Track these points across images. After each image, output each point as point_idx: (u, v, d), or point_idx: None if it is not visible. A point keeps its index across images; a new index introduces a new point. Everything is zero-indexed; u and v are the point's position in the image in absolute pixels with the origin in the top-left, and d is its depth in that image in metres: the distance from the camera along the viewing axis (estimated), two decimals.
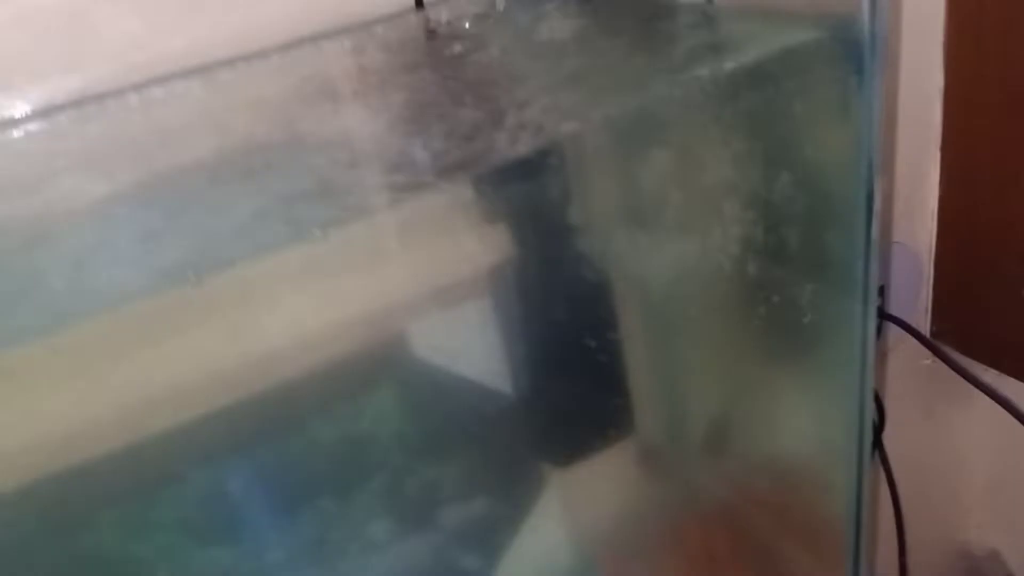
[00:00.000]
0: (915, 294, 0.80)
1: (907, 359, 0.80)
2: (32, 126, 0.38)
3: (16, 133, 0.38)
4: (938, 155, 0.73)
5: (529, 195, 0.40)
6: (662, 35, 0.40)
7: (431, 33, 0.42)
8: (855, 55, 0.32)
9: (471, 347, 0.45)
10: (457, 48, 0.41)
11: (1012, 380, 0.76)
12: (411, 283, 0.43)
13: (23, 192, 0.36)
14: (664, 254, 0.43)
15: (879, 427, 0.75)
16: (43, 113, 0.39)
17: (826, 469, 0.43)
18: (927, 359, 0.78)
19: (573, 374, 0.46)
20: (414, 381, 0.45)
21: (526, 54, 0.41)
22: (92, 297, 0.33)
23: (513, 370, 0.45)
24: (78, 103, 0.39)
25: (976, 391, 0.75)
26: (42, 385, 0.35)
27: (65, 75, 0.40)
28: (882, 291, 0.76)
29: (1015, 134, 0.67)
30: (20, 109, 0.39)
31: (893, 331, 0.78)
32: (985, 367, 0.78)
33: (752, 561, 0.50)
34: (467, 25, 0.42)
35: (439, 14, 0.42)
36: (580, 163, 0.40)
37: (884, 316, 0.77)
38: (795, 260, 0.40)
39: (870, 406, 0.40)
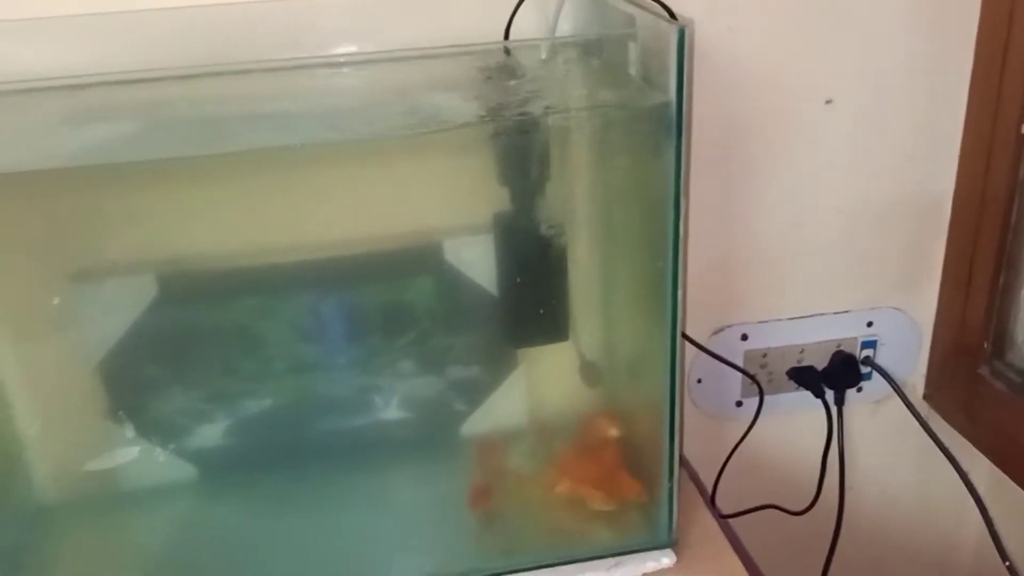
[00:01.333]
0: (914, 358, 0.95)
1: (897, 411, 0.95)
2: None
3: None
4: (946, 235, 0.89)
5: (519, 165, 0.67)
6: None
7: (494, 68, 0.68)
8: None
9: (478, 259, 0.70)
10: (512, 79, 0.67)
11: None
12: (452, 211, 0.70)
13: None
14: (592, 228, 0.67)
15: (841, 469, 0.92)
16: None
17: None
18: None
19: (533, 292, 0.71)
20: (442, 274, 0.70)
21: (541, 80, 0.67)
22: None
23: (502, 280, 0.70)
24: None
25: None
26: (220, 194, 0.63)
27: None
28: (874, 344, 0.93)
29: None
30: None
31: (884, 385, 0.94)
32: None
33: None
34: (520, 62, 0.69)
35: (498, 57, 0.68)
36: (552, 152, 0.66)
37: (874, 367, 0.94)
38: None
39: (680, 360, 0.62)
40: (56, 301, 0.65)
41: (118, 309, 0.66)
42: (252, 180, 0.64)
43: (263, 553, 0.68)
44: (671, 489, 0.64)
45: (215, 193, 0.64)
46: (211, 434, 0.71)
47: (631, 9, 0.61)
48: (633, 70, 0.60)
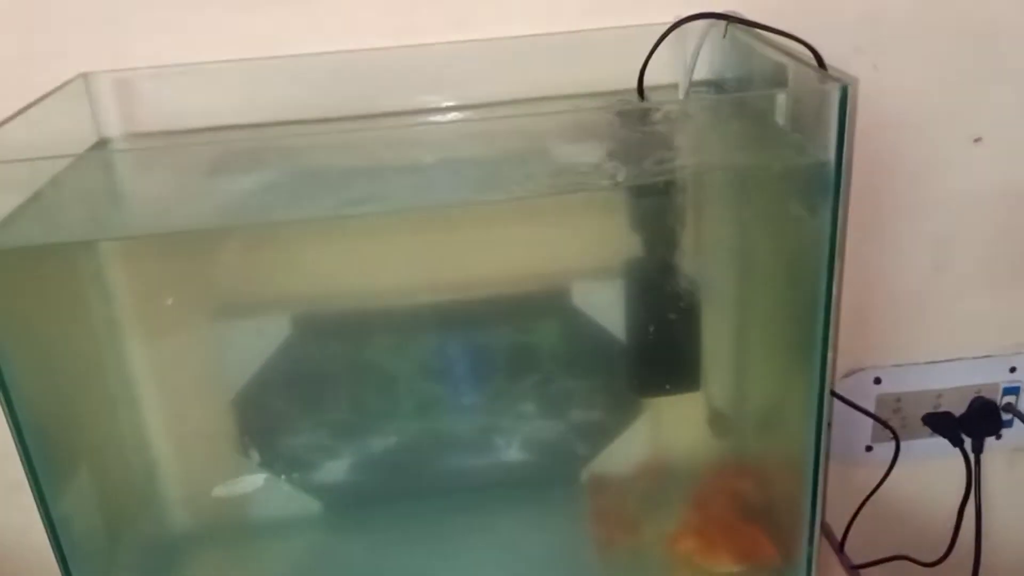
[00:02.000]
0: None
1: None
2: None
3: None
4: None
5: (655, 213, 0.65)
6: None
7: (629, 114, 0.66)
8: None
9: (607, 305, 0.69)
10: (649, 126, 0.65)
11: None
12: (579, 255, 0.69)
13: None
14: (730, 278, 0.66)
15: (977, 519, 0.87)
16: None
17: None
18: None
19: (663, 340, 0.69)
20: (570, 319, 0.70)
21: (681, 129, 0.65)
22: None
23: (631, 327, 0.69)
24: None
25: None
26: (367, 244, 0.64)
27: None
28: (1016, 391, 0.88)
29: None
30: None
31: None
32: None
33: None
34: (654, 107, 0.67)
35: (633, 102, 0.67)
36: (688, 200, 0.64)
37: (1016, 414, 0.88)
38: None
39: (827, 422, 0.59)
40: (169, 302, 0.67)
41: (253, 347, 0.68)
42: (388, 231, 0.65)
43: None
44: (810, 554, 0.62)
45: (353, 242, 0.65)
46: (335, 469, 0.72)
47: (779, 57, 0.58)
48: (781, 119, 0.58)
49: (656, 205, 0.65)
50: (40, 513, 0.57)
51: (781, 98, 0.57)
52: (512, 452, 0.73)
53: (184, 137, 0.65)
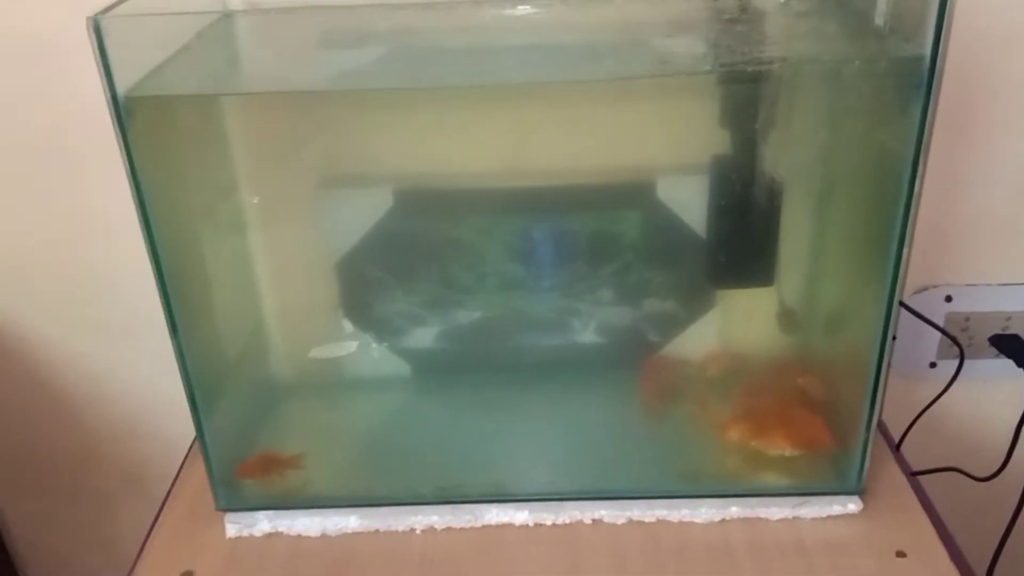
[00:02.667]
0: None
1: None
2: None
3: None
4: None
5: (745, 107, 0.67)
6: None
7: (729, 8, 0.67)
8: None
9: (690, 199, 0.71)
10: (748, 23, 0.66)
11: None
12: (666, 148, 0.71)
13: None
14: (814, 178, 0.67)
15: None
16: None
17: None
18: None
19: (742, 236, 0.71)
20: (653, 210, 0.72)
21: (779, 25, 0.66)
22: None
23: (712, 221, 0.71)
24: None
25: None
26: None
27: None
28: None
29: None
30: None
31: None
32: None
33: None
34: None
35: None
36: (779, 95, 0.66)
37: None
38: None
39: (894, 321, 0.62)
40: (256, 200, 0.71)
41: (357, 217, 0.72)
42: (488, 109, 0.68)
43: (454, 443, 0.74)
44: (867, 440, 0.65)
45: (453, 119, 0.68)
46: (423, 337, 0.78)
47: None
48: (880, 19, 0.59)
49: (747, 99, 0.66)
50: (175, 349, 0.62)
51: None
52: (585, 335, 0.77)
53: (301, 12, 0.68)
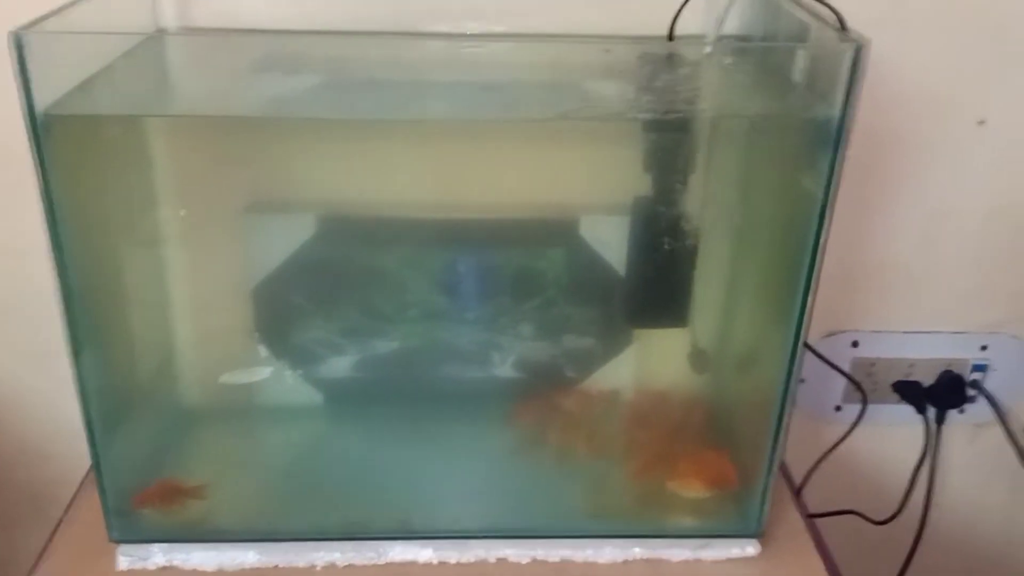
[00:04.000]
0: (1022, 388, 0.95)
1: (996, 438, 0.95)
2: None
3: None
4: None
5: (667, 153, 0.69)
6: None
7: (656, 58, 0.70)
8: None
9: (611, 239, 0.72)
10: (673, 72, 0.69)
11: None
12: (590, 188, 0.72)
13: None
14: (728, 224, 0.70)
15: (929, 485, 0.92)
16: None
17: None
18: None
19: (658, 276, 0.73)
20: (575, 248, 0.74)
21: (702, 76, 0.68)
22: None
23: (631, 261, 0.73)
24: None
25: None
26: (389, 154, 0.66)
27: None
28: (984, 368, 0.93)
29: None
30: None
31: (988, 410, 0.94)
32: None
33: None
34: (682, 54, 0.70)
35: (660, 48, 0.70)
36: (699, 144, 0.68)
37: (980, 390, 0.94)
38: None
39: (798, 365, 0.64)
40: (182, 213, 0.70)
41: (278, 243, 0.72)
42: (417, 142, 0.68)
43: (361, 477, 0.74)
44: (767, 484, 0.67)
45: (381, 150, 0.68)
46: (338, 365, 0.77)
47: (803, 16, 0.62)
48: (798, 76, 0.62)
49: (669, 145, 0.68)
50: (73, 372, 0.60)
51: (800, 54, 0.61)
52: (505, 369, 0.78)
53: (235, 34, 0.67)
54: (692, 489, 0.70)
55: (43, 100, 0.53)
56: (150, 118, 0.67)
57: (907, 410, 0.93)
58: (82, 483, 0.73)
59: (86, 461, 0.66)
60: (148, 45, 0.65)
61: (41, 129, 0.53)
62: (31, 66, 0.51)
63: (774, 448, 0.66)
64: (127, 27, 0.66)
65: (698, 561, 0.68)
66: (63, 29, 0.53)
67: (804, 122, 0.61)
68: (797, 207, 0.61)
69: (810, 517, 0.75)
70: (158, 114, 0.67)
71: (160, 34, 0.67)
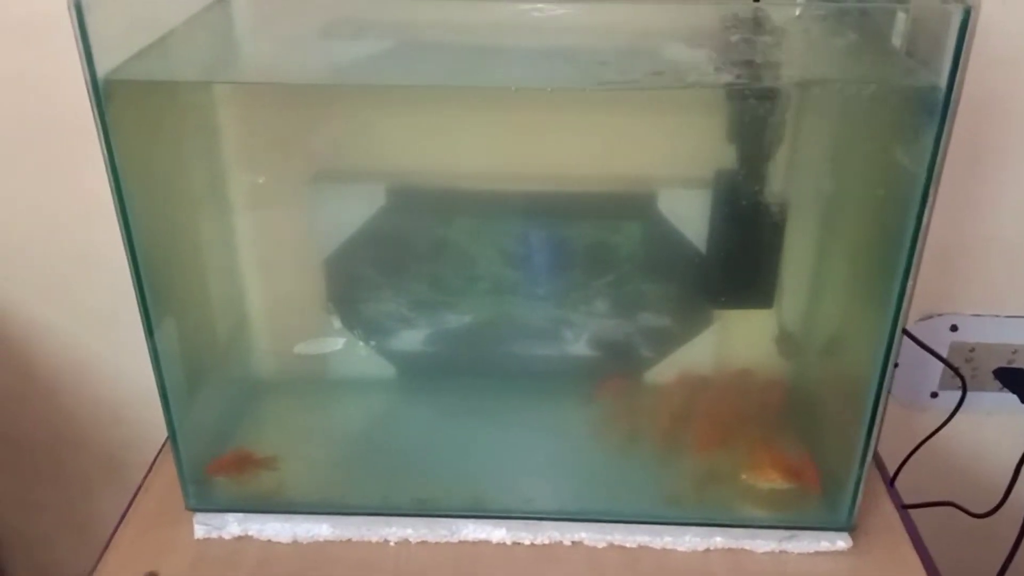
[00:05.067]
0: None
1: None
2: None
3: None
4: None
5: (753, 123, 0.65)
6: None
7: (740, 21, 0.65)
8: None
9: (691, 214, 0.69)
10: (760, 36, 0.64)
11: None
12: (670, 161, 0.69)
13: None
14: (819, 199, 0.66)
15: None
16: None
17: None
18: None
19: (743, 254, 0.69)
20: (653, 223, 0.70)
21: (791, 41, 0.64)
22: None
23: (712, 238, 0.69)
24: None
25: None
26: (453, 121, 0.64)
27: None
28: None
29: None
30: None
31: None
32: None
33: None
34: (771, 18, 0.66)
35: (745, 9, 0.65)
36: (789, 113, 0.64)
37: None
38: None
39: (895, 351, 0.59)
40: (261, 180, 0.70)
41: (349, 213, 0.70)
42: (489, 111, 0.66)
43: (434, 453, 0.73)
44: (860, 476, 0.63)
45: (452, 118, 0.66)
46: (410, 338, 0.76)
47: None
48: (898, 42, 0.57)
49: (755, 114, 0.64)
50: (148, 343, 0.60)
51: (900, 17, 0.56)
52: (576, 346, 0.75)
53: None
54: (770, 481, 0.66)
55: (105, 66, 0.52)
56: (215, 84, 0.66)
57: (1009, 399, 0.88)
58: (159, 451, 0.74)
59: (158, 426, 0.67)
60: (214, 9, 0.63)
61: (103, 95, 0.52)
62: (92, 31, 0.50)
63: (868, 438, 0.62)
64: None
65: (783, 553, 0.65)
66: None
67: (905, 90, 0.56)
68: (896, 182, 0.57)
69: (904, 508, 0.71)
70: (223, 80, 0.66)
71: None
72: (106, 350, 0.91)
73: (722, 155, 0.66)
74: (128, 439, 0.95)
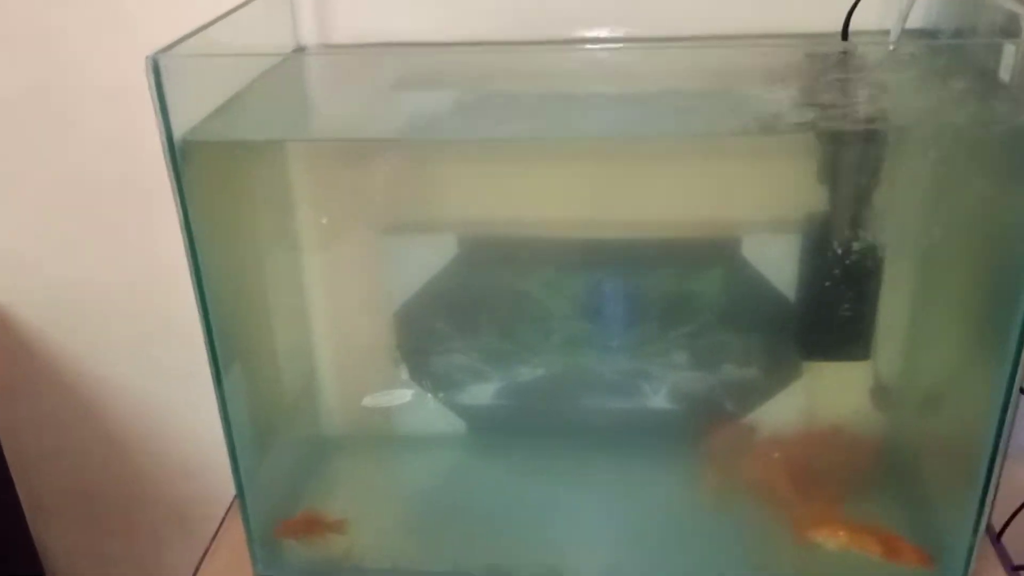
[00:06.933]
0: None
1: None
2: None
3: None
4: None
5: (845, 165, 0.62)
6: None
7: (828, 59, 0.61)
8: None
9: (779, 260, 0.66)
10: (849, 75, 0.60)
11: None
12: (755, 203, 0.65)
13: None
14: (918, 245, 0.62)
15: None
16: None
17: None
18: None
19: (838, 303, 0.65)
20: (737, 269, 0.67)
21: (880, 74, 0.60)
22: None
23: (802, 286, 0.66)
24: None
25: None
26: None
27: None
28: None
29: None
30: None
31: None
32: None
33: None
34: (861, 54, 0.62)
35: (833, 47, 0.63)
36: (884, 154, 0.60)
37: None
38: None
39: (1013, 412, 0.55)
40: (324, 220, 0.68)
41: (420, 264, 0.69)
42: (565, 160, 0.64)
43: (507, 515, 0.70)
44: (972, 545, 0.58)
45: (525, 168, 0.64)
46: (481, 392, 0.74)
47: (1012, 5, 0.53)
48: (1005, 75, 0.53)
49: (849, 155, 0.61)
50: (218, 402, 0.59)
51: (1009, 50, 0.52)
52: (657, 401, 0.72)
53: (376, 51, 0.65)
54: (871, 554, 0.61)
55: (182, 126, 0.51)
56: (288, 142, 0.65)
57: None
58: (227, 511, 0.73)
59: (228, 482, 0.65)
60: (288, 64, 0.63)
61: (180, 155, 0.52)
62: (168, 91, 0.50)
63: (982, 505, 0.57)
64: (266, 46, 0.64)
65: None
66: (199, 52, 0.52)
67: (1016, 129, 0.52)
68: (1009, 226, 0.53)
69: (1016, 570, 0.65)
70: (297, 138, 0.65)
71: (300, 52, 0.65)
72: (180, 406, 0.91)
73: (813, 197, 0.63)
74: (198, 494, 0.94)
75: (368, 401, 0.75)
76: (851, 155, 0.61)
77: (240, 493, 0.62)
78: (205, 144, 0.54)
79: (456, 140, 0.62)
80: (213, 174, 0.57)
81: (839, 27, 0.63)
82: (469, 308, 0.71)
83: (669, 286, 0.69)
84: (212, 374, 0.58)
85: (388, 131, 0.61)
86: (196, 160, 0.53)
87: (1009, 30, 0.53)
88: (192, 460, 0.92)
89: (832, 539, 0.62)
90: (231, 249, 0.61)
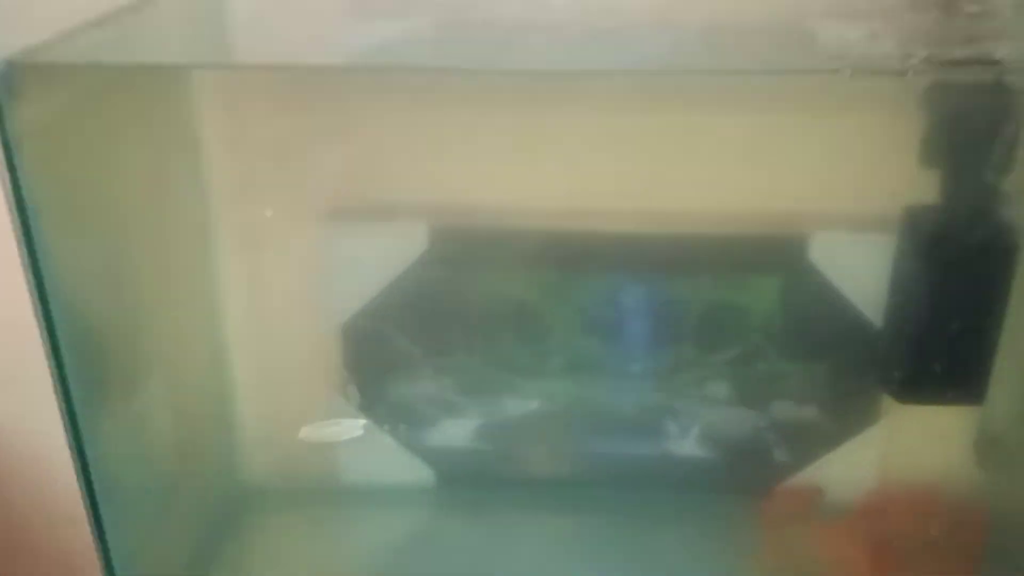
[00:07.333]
0: None
1: None
2: None
3: None
4: None
5: (957, 136, 0.48)
6: None
7: None
8: None
9: (858, 267, 0.54)
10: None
11: None
12: (834, 193, 0.53)
13: None
14: None
15: None
16: None
17: None
18: None
19: (945, 329, 0.53)
20: (800, 278, 0.55)
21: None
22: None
23: (892, 302, 0.53)
24: None
25: None
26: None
27: None
28: None
29: None
30: None
31: None
32: None
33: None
34: None
35: None
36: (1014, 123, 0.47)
37: None
38: None
39: None
40: (269, 213, 0.59)
41: (375, 262, 0.58)
42: (563, 114, 0.53)
43: None
44: None
45: (515, 127, 0.54)
46: (455, 430, 0.64)
47: None
48: None
49: (967, 128, 0.48)
50: (68, 442, 0.46)
51: None
52: (688, 445, 0.62)
53: None
54: None
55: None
56: (195, 72, 0.54)
57: None
58: None
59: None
60: None
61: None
62: None
63: None
64: None
65: None
66: None
67: None
68: None
69: None
70: (197, 64, 0.54)
71: None
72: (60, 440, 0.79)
73: (914, 185, 0.51)
74: (85, 543, 0.81)
75: (307, 433, 0.62)
76: (973, 121, 0.48)
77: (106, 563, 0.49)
78: (47, 68, 0.42)
79: (428, 74, 0.50)
80: (65, 119, 0.44)
81: None
82: (441, 319, 0.61)
83: (709, 296, 0.59)
84: (60, 407, 0.45)
85: (332, 58, 0.50)
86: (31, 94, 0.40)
87: None
88: (75, 505, 0.78)
89: None
90: (90, 229, 0.48)
